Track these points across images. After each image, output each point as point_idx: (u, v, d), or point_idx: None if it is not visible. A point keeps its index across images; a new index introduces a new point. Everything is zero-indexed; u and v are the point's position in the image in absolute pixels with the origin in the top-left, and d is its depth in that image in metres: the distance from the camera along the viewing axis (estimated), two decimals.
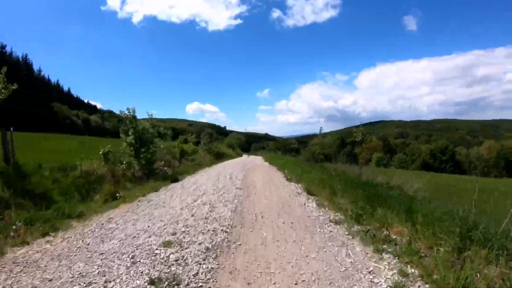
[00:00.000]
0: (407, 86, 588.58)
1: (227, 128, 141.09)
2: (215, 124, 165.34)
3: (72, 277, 3.04)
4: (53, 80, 79.14)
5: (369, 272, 3.14)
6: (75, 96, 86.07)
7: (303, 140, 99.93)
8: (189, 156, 17.24)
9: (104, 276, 3.06)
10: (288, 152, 45.74)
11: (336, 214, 5.46)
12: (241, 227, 4.74)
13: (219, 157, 24.42)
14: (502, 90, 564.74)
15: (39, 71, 73.57)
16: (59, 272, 3.19)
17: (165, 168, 12.43)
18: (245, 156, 42.33)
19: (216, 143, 35.60)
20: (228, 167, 15.82)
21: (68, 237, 4.37)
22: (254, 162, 21.80)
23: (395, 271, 3.14)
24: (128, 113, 10.85)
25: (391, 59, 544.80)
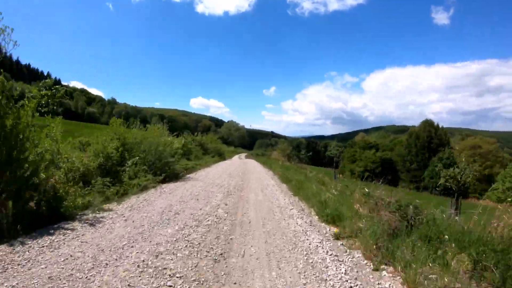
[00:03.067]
0: (418, 92, 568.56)
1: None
2: (217, 118, 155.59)
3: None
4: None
5: None
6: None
7: (311, 141, 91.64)
8: None
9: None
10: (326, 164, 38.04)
11: None
12: None
13: None
14: None
15: None
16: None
17: None
18: (233, 160, 30.44)
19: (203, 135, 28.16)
20: None
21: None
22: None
23: None
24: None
25: (403, 62, 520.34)
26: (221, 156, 27.93)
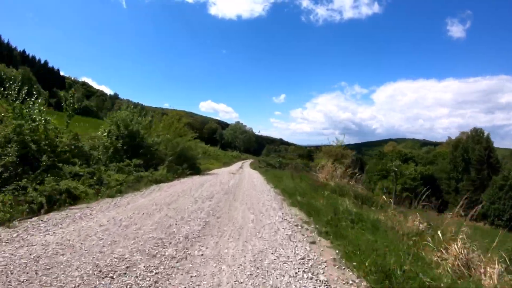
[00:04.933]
0: (426, 106, 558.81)
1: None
2: (225, 122, 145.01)
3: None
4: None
5: None
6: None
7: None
8: None
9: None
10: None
11: None
12: None
13: None
14: None
15: None
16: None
17: None
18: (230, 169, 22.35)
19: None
20: None
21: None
22: None
23: None
24: None
25: (413, 75, 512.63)
26: (194, 169, 15.38)
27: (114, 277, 2.75)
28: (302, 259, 3.53)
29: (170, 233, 4.23)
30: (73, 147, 7.64)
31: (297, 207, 6.84)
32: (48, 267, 2.86)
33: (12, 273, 2.68)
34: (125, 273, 2.84)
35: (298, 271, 3.15)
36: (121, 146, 10.45)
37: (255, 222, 5.22)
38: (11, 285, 2.49)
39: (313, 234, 4.70)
